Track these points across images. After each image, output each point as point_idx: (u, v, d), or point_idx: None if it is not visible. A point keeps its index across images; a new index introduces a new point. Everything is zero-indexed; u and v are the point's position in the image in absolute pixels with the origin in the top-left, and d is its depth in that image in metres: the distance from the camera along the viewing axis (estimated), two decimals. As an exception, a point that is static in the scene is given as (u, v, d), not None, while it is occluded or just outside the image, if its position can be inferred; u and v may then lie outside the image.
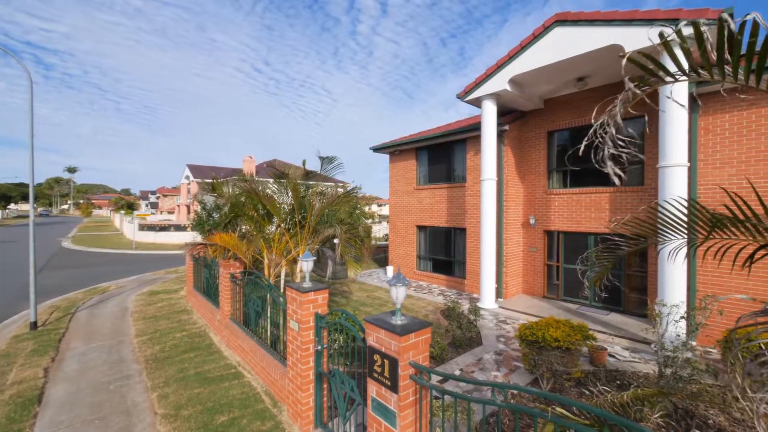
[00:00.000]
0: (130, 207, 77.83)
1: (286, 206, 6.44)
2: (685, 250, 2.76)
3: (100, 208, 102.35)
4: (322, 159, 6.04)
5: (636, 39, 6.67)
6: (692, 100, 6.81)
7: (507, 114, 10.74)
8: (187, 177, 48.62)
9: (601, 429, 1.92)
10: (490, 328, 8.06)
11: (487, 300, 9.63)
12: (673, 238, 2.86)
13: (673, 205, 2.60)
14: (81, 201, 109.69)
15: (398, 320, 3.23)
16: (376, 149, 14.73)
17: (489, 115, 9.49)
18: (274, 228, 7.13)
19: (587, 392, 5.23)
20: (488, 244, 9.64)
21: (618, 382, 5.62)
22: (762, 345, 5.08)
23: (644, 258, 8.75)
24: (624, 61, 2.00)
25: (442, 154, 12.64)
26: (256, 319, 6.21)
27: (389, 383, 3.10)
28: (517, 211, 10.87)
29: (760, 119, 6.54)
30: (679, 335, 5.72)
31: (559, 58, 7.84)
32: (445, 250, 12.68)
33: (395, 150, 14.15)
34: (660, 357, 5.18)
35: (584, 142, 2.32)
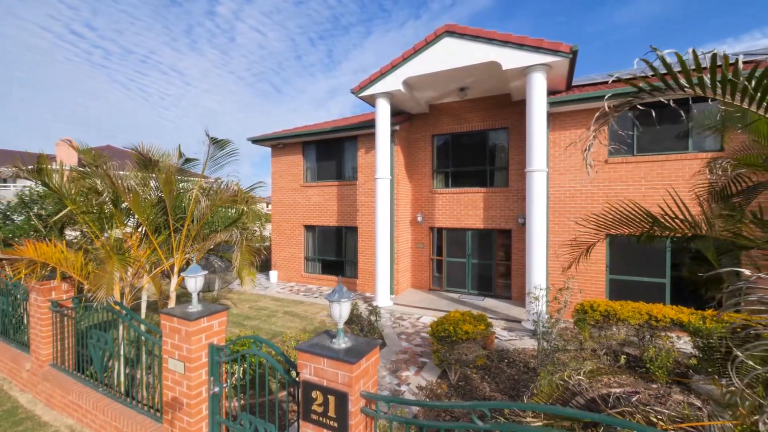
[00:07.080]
0: None
1: (151, 205, 4.70)
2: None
3: None
4: (212, 140, 4.52)
5: (510, 58, 7.65)
6: (547, 117, 8.25)
7: (397, 115, 11.01)
8: (-48, 163, 33.83)
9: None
10: (390, 327, 8.05)
11: (382, 298, 9.66)
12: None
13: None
14: None
15: (342, 343, 2.64)
16: (256, 141, 13.11)
17: (383, 113, 9.49)
18: (124, 232, 5.27)
19: (488, 378, 5.67)
20: (382, 242, 9.66)
21: (507, 360, 6.31)
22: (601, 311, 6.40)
23: (508, 250, 10.28)
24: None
25: (332, 151, 12.11)
26: (102, 361, 4.46)
27: (336, 424, 2.49)
28: (407, 209, 11.30)
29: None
30: (549, 314, 6.82)
31: (447, 66, 8.38)
32: (336, 250, 12.24)
33: (279, 143, 12.87)
34: (539, 333, 6.03)
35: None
